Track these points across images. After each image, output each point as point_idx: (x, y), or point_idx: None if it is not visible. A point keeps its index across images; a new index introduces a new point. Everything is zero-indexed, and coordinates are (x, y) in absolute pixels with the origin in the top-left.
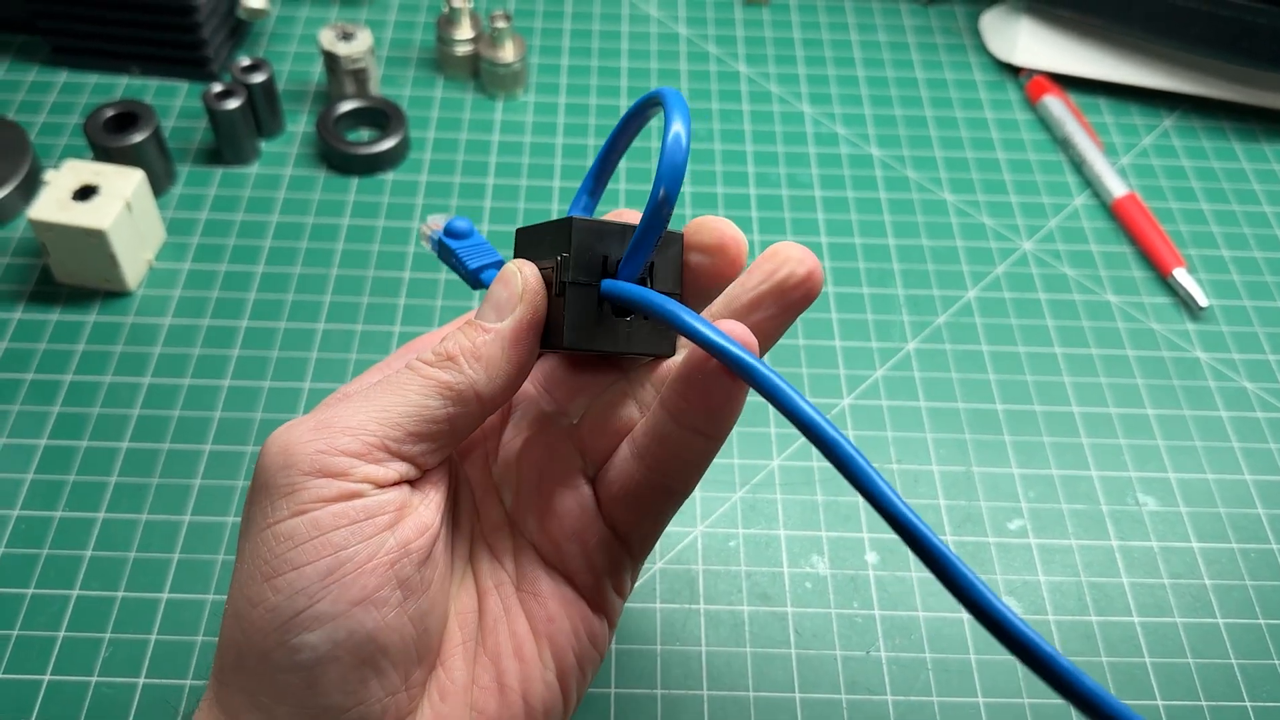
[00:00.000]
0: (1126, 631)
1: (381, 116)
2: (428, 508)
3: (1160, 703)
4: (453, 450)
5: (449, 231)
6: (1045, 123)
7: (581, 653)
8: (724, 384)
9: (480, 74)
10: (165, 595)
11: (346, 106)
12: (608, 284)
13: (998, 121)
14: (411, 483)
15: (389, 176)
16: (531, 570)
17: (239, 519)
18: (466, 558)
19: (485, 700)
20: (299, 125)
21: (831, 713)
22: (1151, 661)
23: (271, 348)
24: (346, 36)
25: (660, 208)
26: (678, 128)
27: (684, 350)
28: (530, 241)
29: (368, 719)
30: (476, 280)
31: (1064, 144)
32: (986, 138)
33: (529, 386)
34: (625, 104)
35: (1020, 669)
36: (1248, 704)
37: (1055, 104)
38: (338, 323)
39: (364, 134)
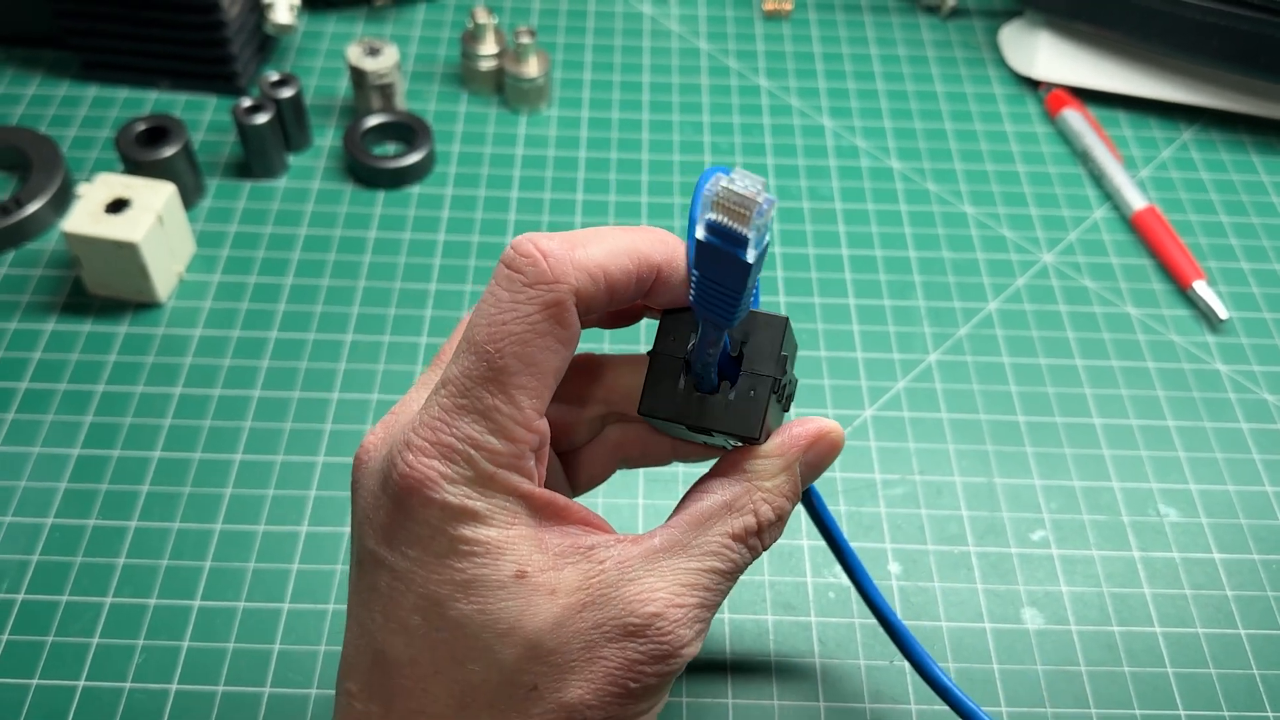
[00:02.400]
0: (1149, 642)
1: (407, 131)
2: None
3: (1183, 712)
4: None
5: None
6: (1065, 136)
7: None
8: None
9: (504, 89)
10: (197, 603)
11: (373, 121)
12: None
13: (1017, 135)
14: None
15: (415, 190)
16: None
17: (269, 527)
18: None
19: None
20: (326, 139)
21: None
22: (1174, 671)
23: (300, 359)
24: (373, 52)
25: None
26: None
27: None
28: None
29: None
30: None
31: (1083, 157)
32: (1006, 151)
33: None
34: (647, 118)
35: (1044, 678)
36: (1270, 714)
37: (1075, 117)
38: (365, 334)
39: (390, 148)
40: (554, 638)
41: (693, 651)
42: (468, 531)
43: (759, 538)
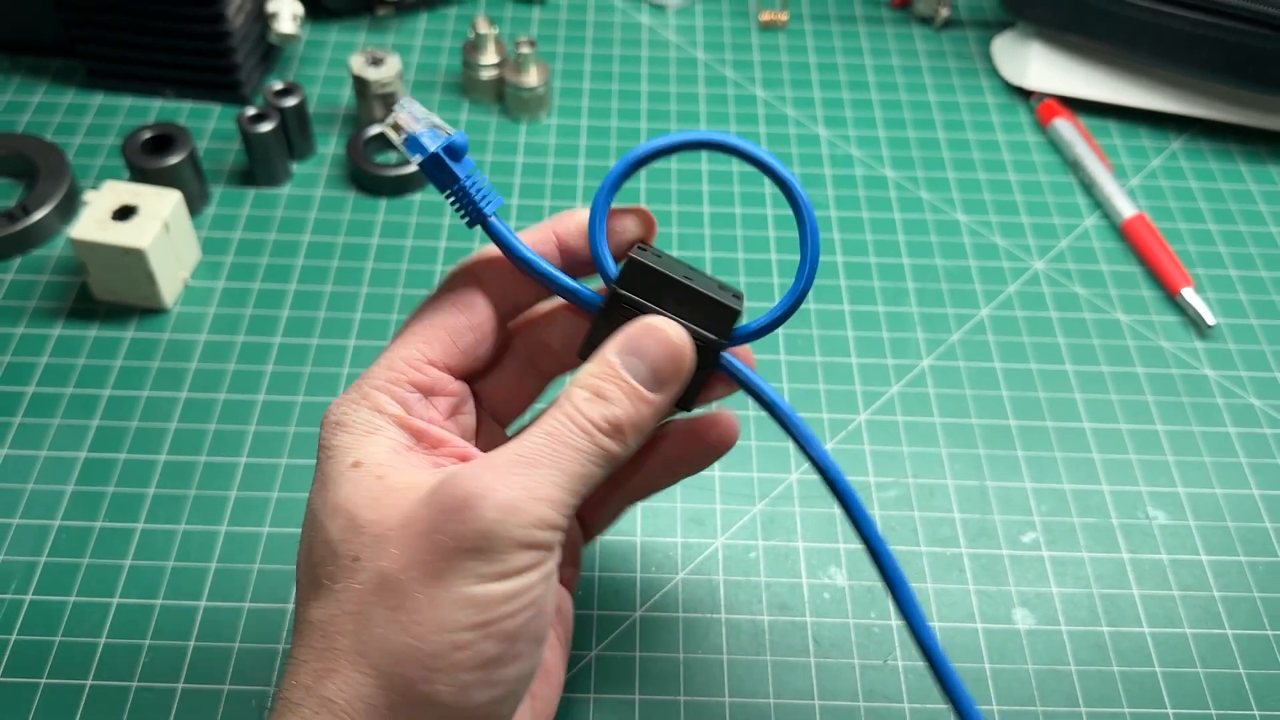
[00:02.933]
0: (1137, 642)
1: None
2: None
3: (1170, 711)
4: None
5: (450, 150)
6: (1056, 145)
7: (565, 626)
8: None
9: (505, 98)
10: (203, 603)
11: (375, 129)
12: (729, 363)
13: (1009, 144)
14: None
15: (417, 197)
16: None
17: (273, 529)
18: None
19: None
20: (329, 147)
21: (850, 719)
22: (1162, 671)
23: (304, 364)
24: (376, 62)
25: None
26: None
27: (690, 417)
28: (648, 281)
29: None
30: (482, 221)
31: (1074, 166)
32: (998, 159)
33: None
34: (645, 126)
35: (1035, 677)
36: (1256, 713)
37: (1066, 127)
38: (368, 339)
39: (392, 156)
40: (373, 510)
41: (515, 527)
42: (331, 438)
43: (581, 413)
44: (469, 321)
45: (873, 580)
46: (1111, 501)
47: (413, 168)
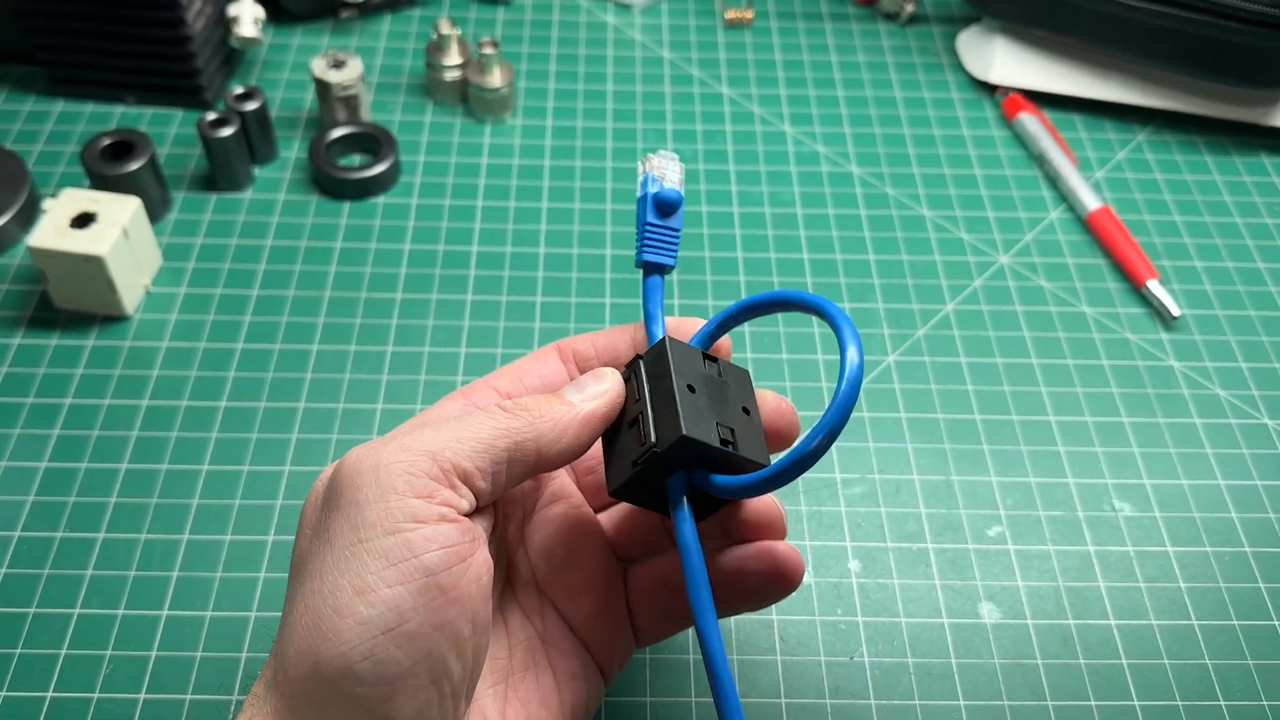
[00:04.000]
0: (1104, 634)
1: (372, 142)
2: (485, 547)
3: (1137, 703)
4: (502, 495)
5: (659, 200)
6: (1021, 139)
7: (589, 710)
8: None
9: (469, 99)
10: (165, 612)
11: (338, 133)
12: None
13: (975, 138)
14: (471, 516)
15: (380, 200)
16: (558, 630)
17: (236, 536)
18: (498, 606)
19: None
20: (292, 151)
21: (817, 716)
22: (1128, 663)
23: (267, 369)
24: (338, 65)
25: (809, 454)
26: (853, 362)
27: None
28: (656, 371)
29: None
30: (640, 257)
31: (1039, 160)
32: (964, 154)
33: (564, 471)
34: (611, 126)
35: (1001, 671)
36: (1222, 703)
37: (1030, 120)
38: (331, 343)
39: (355, 159)
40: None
41: (400, 475)
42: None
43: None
44: (536, 368)
45: (839, 577)
46: (1077, 494)
47: (376, 170)
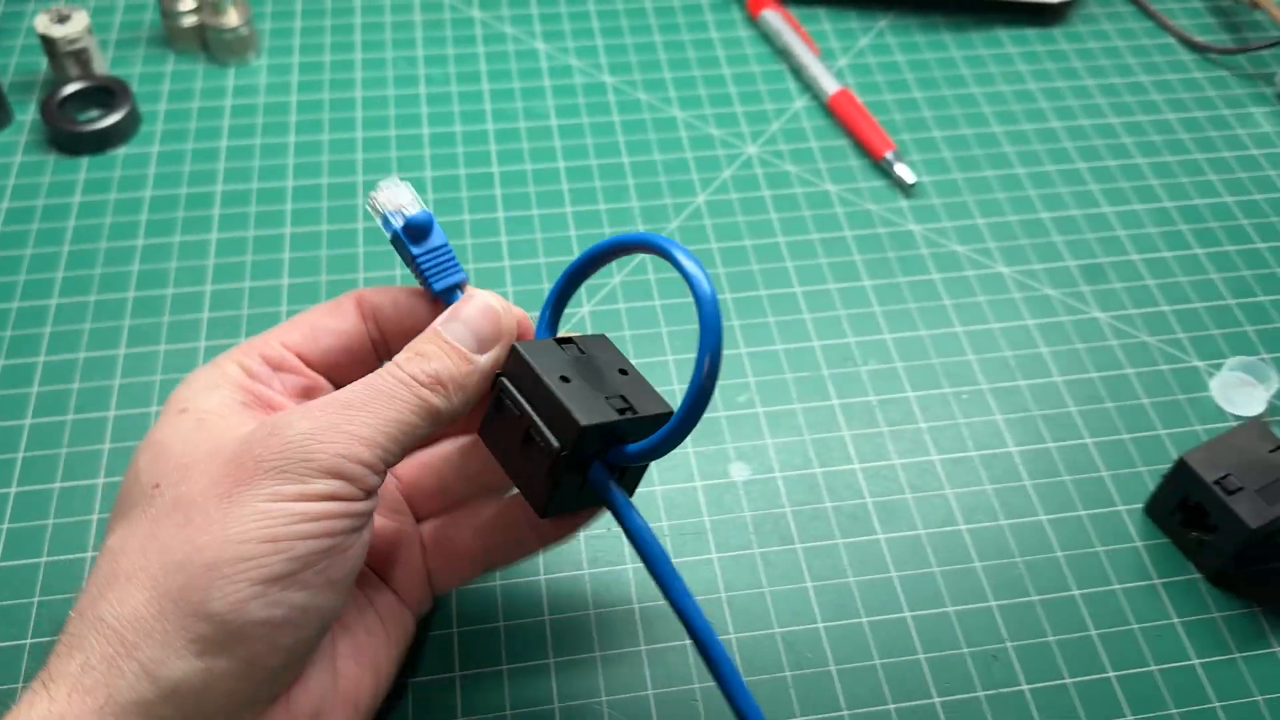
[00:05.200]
0: (849, 479)
1: (107, 95)
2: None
3: (881, 536)
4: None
5: (410, 229)
6: (767, 36)
7: (397, 634)
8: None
9: (209, 44)
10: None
11: (71, 89)
12: (599, 475)
13: (723, 40)
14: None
15: (120, 152)
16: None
17: (11, 524)
18: None
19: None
20: (28, 114)
21: (575, 587)
22: (872, 501)
23: (5, 328)
24: (62, 19)
25: (705, 383)
26: (703, 287)
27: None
28: (522, 380)
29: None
30: (438, 298)
31: (784, 54)
32: (713, 56)
33: None
34: (360, 57)
35: (751, 523)
36: (962, 527)
37: (773, 17)
38: (70, 296)
39: (95, 114)
40: (183, 445)
41: (319, 451)
42: (172, 394)
43: (400, 368)
44: (334, 325)
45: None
46: (822, 355)
47: (109, 121)
